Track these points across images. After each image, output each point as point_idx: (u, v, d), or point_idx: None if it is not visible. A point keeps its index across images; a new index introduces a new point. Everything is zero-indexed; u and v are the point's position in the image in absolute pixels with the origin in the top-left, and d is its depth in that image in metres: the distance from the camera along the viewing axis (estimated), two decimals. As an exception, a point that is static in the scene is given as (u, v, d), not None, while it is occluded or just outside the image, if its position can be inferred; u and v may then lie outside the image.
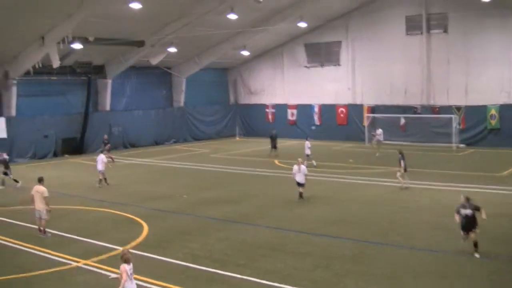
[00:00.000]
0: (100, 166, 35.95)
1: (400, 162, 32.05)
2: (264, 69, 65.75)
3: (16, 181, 36.58)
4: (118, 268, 18.35)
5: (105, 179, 36.07)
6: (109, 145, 48.83)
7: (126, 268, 14.44)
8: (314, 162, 40.53)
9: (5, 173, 36.83)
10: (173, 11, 46.41)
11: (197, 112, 64.65)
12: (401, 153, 32.42)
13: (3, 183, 36.48)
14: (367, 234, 22.62)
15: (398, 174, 32.15)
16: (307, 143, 41.91)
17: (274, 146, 48.55)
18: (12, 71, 48.48)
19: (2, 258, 20.95)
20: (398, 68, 55.02)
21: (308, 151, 41.58)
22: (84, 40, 46.05)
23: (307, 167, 31.07)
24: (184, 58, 59.57)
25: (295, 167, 29.79)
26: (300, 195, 29.47)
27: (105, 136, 49.29)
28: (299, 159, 30.89)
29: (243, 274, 18.16)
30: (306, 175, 29.92)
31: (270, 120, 64.43)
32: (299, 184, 29.59)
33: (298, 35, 60.41)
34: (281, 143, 51.17)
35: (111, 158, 45.12)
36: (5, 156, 37.93)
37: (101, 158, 36.42)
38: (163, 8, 44.92)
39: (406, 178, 32.24)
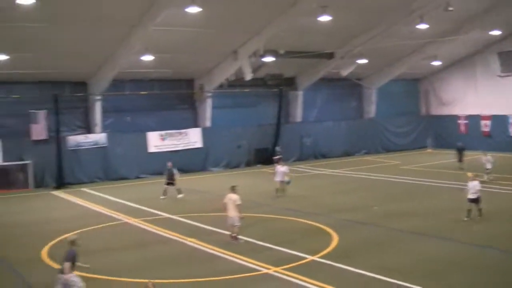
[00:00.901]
0: (279, 177, 36.61)
1: None
2: (456, 79, 63.89)
3: (179, 192, 37.15)
4: (308, 277, 18.77)
5: (278, 189, 36.46)
6: (280, 157, 48.08)
7: None
8: (486, 177, 38.89)
9: (169, 183, 37.41)
10: (362, 23, 46.30)
11: (388, 123, 64.05)
12: None
13: (179, 192, 37.11)
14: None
15: None
16: (487, 158, 40.44)
17: (460, 159, 47.14)
18: (207, 84, 50.77)
19: (199, 261, 21.95)
20: None
21: (489, 165, 40.11)
22: (275, 53, 47.11)
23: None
24: (374, 69, 59.31)
25: (472, 183, 27.81)
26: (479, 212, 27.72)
27: (277, 148, 48.89)
28: (470, 174, 28.90)
29: (431, 288, 17.89)
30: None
31: (463, 131, 62.59)
32: (474, 201, 27.45)
33: (491, 44, 58.10)
34: (475, 155, 49.74)
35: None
36: (175, 172, 37.80)
37: (280, 170, 36.88)
38: (352, 20, 44.95)
39: None
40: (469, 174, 28.66)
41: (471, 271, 19.53)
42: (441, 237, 24.37)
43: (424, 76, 66.59)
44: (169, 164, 38.68)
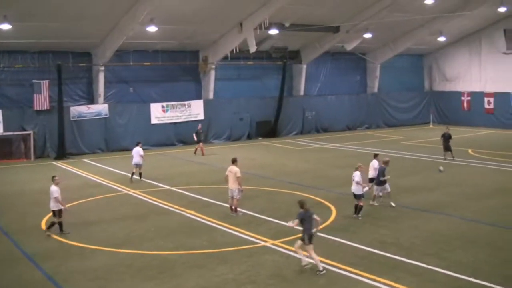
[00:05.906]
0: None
1: None
2: (460, 55, 63.62)
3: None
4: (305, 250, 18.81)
5: None
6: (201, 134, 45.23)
7: None
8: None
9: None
10: (369, -4, 46.14)
11: (391, 98, 64.13)
12: None
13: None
14: None
15: None
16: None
17: (447, 148, 39.50)
18: (211, 56, 50.57)
19: (197, 234, 22.00)
20: None
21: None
22: (280, 26, 46.89)
23: None
24: (379, 43, 59.15)
25: None
26: None
27: (199, 126, 46.05)
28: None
29: (430, 264, 17.90)
30: None
31: (465, 108, 62.49)
32: None
33: (498, 20, 57.70)
34: (477, 132, 49.55)
35: (201, 149, 43.74)
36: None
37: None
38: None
39: None
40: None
41: (476, 248, 19.59)
42: (446, 213, 24.35)
43: (429, 52, 66.34)
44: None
